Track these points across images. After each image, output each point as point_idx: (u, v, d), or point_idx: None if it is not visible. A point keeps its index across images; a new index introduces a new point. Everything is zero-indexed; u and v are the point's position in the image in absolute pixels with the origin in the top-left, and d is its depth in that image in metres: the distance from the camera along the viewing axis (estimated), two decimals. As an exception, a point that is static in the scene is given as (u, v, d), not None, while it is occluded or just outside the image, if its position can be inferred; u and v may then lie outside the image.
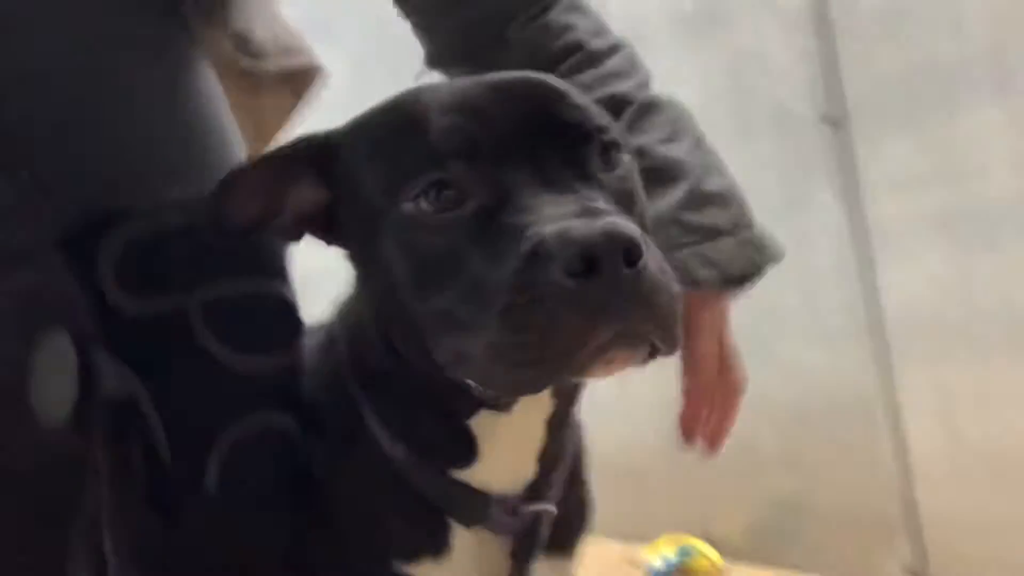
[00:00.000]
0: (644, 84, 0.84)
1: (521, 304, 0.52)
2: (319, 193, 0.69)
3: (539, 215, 0.54)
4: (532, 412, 0.69)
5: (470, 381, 0.58)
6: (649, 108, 0.82)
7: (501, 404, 0.67)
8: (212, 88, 0.86)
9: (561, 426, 0.73)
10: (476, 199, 0.58)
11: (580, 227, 0.50)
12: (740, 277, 0.79)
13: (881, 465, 1.70)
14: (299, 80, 1.04)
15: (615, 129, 0.64)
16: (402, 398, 0.72)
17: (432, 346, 0.60)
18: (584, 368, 0.53)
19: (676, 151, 0.80)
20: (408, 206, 0.59)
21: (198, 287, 0.76)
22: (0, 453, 0.66)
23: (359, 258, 0.68)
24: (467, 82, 0.62)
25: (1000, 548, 1.54)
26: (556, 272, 0.50)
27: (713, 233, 0.79)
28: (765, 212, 0.81)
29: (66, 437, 0.68)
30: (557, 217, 0.53)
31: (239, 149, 0.86)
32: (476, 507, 0.72)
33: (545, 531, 0.75)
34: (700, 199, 0.79)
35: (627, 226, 0.51)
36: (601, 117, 0.63)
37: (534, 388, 0.57)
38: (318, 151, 0.68)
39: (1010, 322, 1.48)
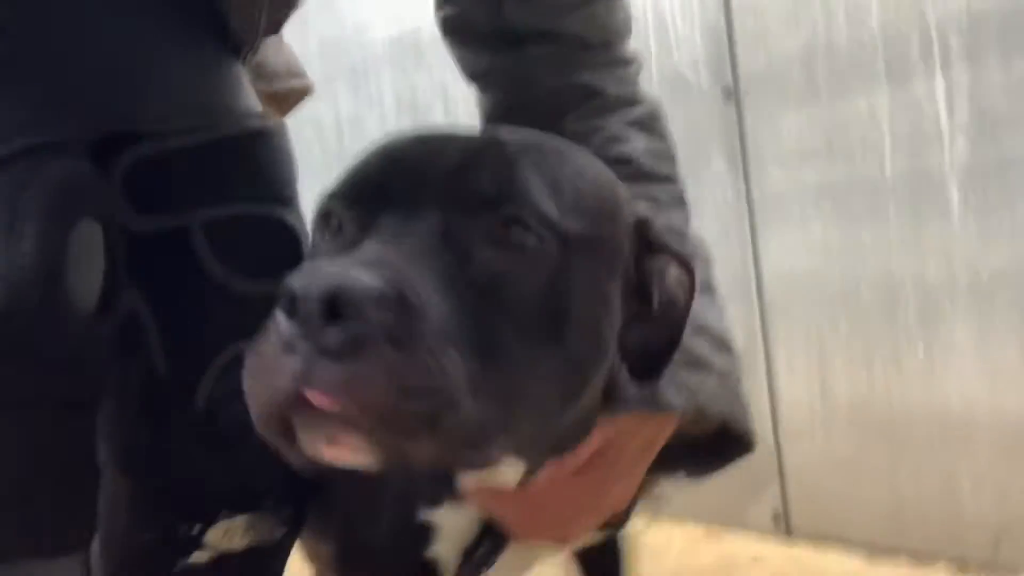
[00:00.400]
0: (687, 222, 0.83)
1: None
2: None
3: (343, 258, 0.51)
4: None
5: None
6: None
7: None
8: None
9: None
10: (347, 234, 0.58)
11: (311, 270, 0.47)
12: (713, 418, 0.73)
13: (755, 417, 1.82)
14: (290, 99, 1.18)
15: (532, 209, 0.54)
16: None
17: None
18: (306, 441, 0.48)
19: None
20: (315, 234, 0.63)
21: (201, 207, 0.78)
22: (38, 337, 0.65)
23: None
24: (410, 137, 0.61)
25: (855, 490, 1.72)
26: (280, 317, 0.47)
27: (702, 364, 0.74)
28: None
29: (92, 325, 0.69)
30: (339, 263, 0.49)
31: (251, 103, 0.88)
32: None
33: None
34: (705, 332, 0.75)
35: (358, 276, 0.45)
36: (497, 189, 0.55)
37: (293, 460, 0.51)
38: None
39: (887, 289, 1.64)
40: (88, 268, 0.68)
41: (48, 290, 0.65)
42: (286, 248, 0.83)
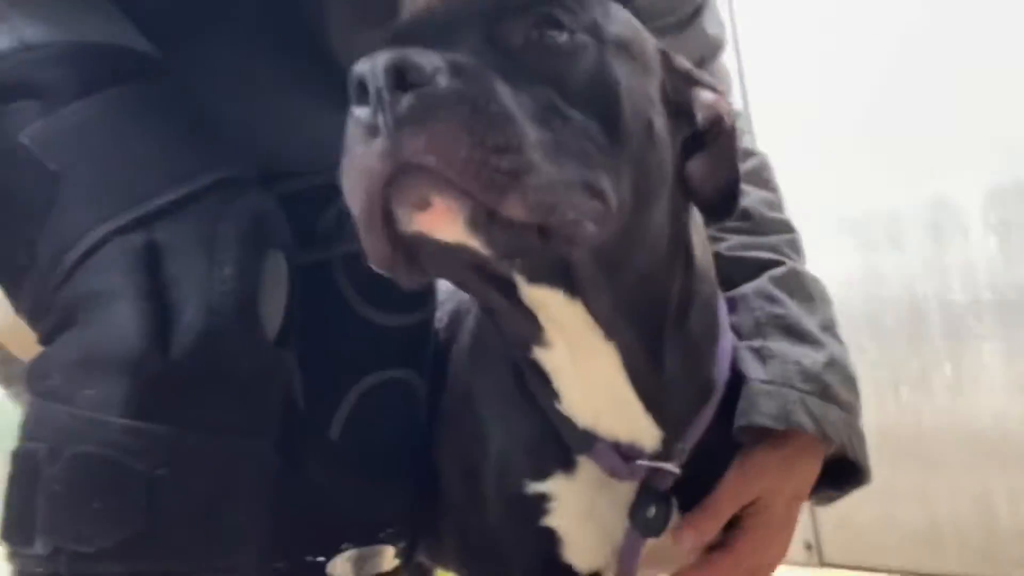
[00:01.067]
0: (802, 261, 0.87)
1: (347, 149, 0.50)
2: None
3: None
4: (582, 349, 0.66)
5: None
6: (798, 278, 0.84)
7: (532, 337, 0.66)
8: None
9: (655, 373, 0.70)
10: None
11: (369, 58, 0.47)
12: (832, 443, 0.76)
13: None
14: None
15: (562, 6, 0.58)
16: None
17: None
18: (402, 218, 0.49)
19: (820, 334, 0.81)
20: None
21: (341, 241, 0.81)
22: (234, 362, 0.66)
23: None
24: None
25: (888, 515, 1.73)
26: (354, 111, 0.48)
27: (828, 395, 0.78)
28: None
29: (276, 348, 0.71)
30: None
31: None
32: (579, 438, 0.72)
33: (661, 489, 0.73)
34: (837, 366, 0.80)
35: (414, 52, 0.47)
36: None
37: (377, 254, 0.53)
38: None
39: (911, 312, 1.68)
40: (273, 297, 0.71)
41: (245, 316, 0.67)
42: None
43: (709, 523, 0.75)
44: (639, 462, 0.71)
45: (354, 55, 0.85)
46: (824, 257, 1.73)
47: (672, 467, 0.72)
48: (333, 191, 0.80)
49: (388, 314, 0.83)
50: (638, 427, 0.71)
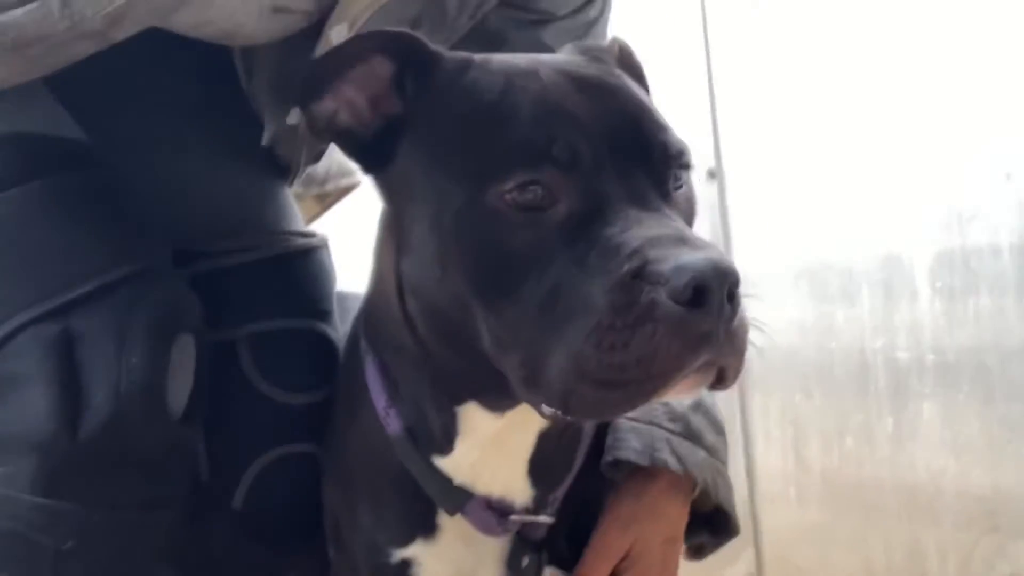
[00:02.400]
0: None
1: (621, 322, 0.51)
2: (382, 101, 0.66)
3: (634, 233, 0.54)
4: (524, 420, 0.69)
5: (540, 401, 0.57)
6: None
7: (495, 405, 0.68)
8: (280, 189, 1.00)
9: (559, 442, 0.74)
10: (567, 205, 0.56)
11: (692, 257, 0.51)
12: (696, 483, 0.81)
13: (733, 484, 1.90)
14: (337, 196, 1.25)
15: (689, 151, 0.65)
16: (406, 370, 0.72)
17: (491, 347, 0.59)
18: (668, 392, 0.54)
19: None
20: (493, 197, 0.56)
21: (247, 322, 0.86)
22: (140, 443, 0.71)
23: (398, 204, 0.65)
24: (551, 77, 0.61)
25: (826, 558, 1.79)
26: (663, 296, 0.50)
27: (693, 436, 0.83)
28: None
29: (181, 426, 0.75)
30: (653, 241, 0.53)
31: (295, 224, 0.97)
32: (452, 496, 0.74)
33: (534, 541, 0.77)
34: (702, 409, 0.85)
35: (731, 262, 0.52)
36: (680, 140, 0.64)
37: (616, 411, 0.58)
38: (417, 58, 0.65)
39: (860, 365, 1.74)
40: (181, 377, 0.75)
41: (151, 399, 0.71)
42: (323, 359, 0.90)
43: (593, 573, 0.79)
44: (512, 517, 0.74)
45: (274, 116, 0.90)
46: (780, 304, 1.80)
47: (545, 518, 0.76)
48: (243, 272, 0.86)
49: (291, 393, 0.86)
50: (515, 485, 0.74)
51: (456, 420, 0.69)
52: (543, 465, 0.74)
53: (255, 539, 0.85)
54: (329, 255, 0.97)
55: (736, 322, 0.53)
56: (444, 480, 0.73)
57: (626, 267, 0.52)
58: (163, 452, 0.73)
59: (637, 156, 0.59)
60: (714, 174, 1.92)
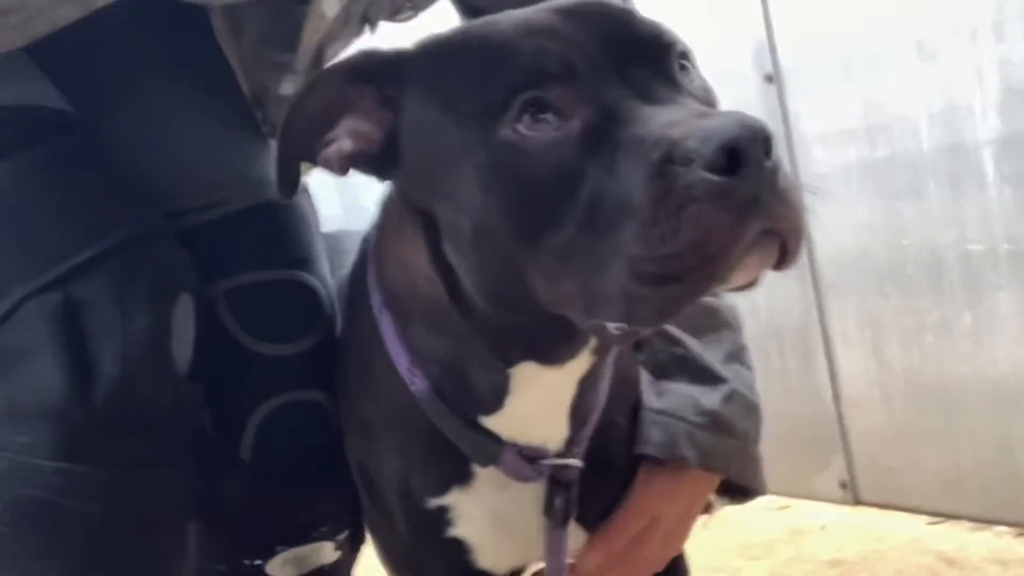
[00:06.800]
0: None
1: (665, 212, 0.49)
2: (380, 118, 0.65)
3: (652, 125, 0.52)
4: (571, 368, 0.68)
5: (604, 323, 0.54)
6: (703, 312, 0.86)
7: (555, 358, 0.67)
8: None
9: (592, 383, 0.74)
10: (580, 118, 0.54)
11: (715, 123, 0.48)
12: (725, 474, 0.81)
13: (817, 391, 1.89)
14: None
15: (682, 41, 0.61)
16: (443, 336, 0.70)
17: (544, 290, 0.57)
18: (730, 274, 0.51)
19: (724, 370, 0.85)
20: (505, 132, 0.55)
21: (222, 277, 0.85)
22: (148, 402, 0.73)
23: (424, 194, 0.64)
24: (533, 11, 0.60)
25: (915, 458, 1.77)
26: (698, 172, 0.48)
27: (722, 427, 0.82)
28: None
29: (187, 383, 0.78)
30: (674, 123, 0.50)
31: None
32: (487, 449, 0.73)
33: (573, 486, 0.77)
34: (735, 399, 0.84)
35: (758, 119, 0.49)
36: (671, 31, 0.61)
37: (682, 305, 0.52)
38: (385, 69, 0.64)
39: (931, 261, 1.67)
40: (183, 335, 0.77)
41: (158, 360, 0.73)
42: (304, 308, 0.89)
43: (611, 547, 0.82)
44: (544, 462, 0.74)
45: (260, 78, 0.91)
46: (849, 204, 1.74)
47: (576, 461, 0.76)
48: (218, 227, 0.84)
49: (272, 344, 0.85)
50: (556, 433, 0.75)
51: (509, 381, 0.69)
52: (579, 408, 0.74)
53: (270, 488, 0.85)
54: (309, 199, 0.95)
55: (781, 180, 0.49)
56: (476, 436, 0.73)
57: (654, 156, 0.49)
58: (172, 409, 0.75)
59: (633, 55, 0.57)
60: (771, 78, 1.86)
